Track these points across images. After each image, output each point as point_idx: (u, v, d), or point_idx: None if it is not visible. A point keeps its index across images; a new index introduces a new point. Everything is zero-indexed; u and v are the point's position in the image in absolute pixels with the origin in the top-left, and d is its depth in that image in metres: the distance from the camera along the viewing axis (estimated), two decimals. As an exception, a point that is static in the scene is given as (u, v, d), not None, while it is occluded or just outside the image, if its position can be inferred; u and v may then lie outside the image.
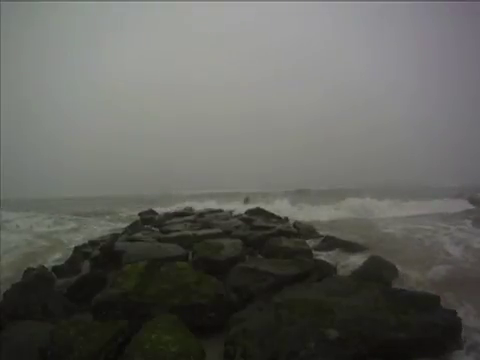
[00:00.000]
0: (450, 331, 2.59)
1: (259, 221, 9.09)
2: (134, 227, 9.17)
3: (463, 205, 14.14)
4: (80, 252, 6.28)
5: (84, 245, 7.06)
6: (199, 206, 16.22)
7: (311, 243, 6.73)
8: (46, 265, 5.51)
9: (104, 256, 5.19)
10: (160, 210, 15.01)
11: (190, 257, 5.01)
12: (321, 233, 7.91)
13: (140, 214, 13.52)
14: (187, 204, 17.54)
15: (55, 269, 5.30)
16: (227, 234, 6.81)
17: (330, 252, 6.11)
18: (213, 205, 16.21)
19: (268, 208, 11.78)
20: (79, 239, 8.93)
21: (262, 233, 6.80)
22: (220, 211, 12.86)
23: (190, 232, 6.85)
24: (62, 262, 5.71)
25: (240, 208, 13.83)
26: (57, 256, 6.86)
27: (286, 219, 10.23)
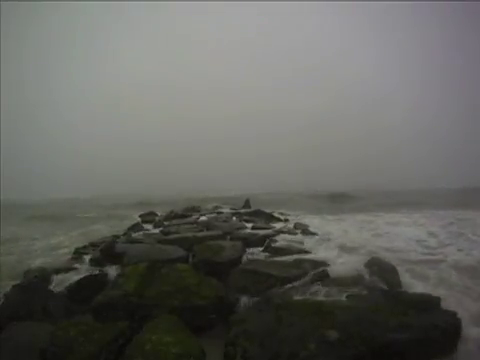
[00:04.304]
0: (450, 332, 2.59)
1: (259, 222, 9.12)
2: (135, 229, 9.17)
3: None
4: (81, 253, 6.27)
5: (85, 246, 7.05)
6: (199, 208, 16.20)
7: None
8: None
9: (105, 257, 5.19)
10: (160, 212, 15.00)
11: (191, 259, 5.01)
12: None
13: (141, 216, 13.54)
14: (187, 206, 17.53)
15: (56, 270, 5.28)
16: (227, 235, 6.81)
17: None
18: (214, 207, 16.21)
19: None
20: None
21: (262, 234, 6.80)
22: (220, 213, 12.87)
23: (190, 234, 6.84)
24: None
25: (240, 210, 13.82)
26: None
27: (286, 220, 10.30)
